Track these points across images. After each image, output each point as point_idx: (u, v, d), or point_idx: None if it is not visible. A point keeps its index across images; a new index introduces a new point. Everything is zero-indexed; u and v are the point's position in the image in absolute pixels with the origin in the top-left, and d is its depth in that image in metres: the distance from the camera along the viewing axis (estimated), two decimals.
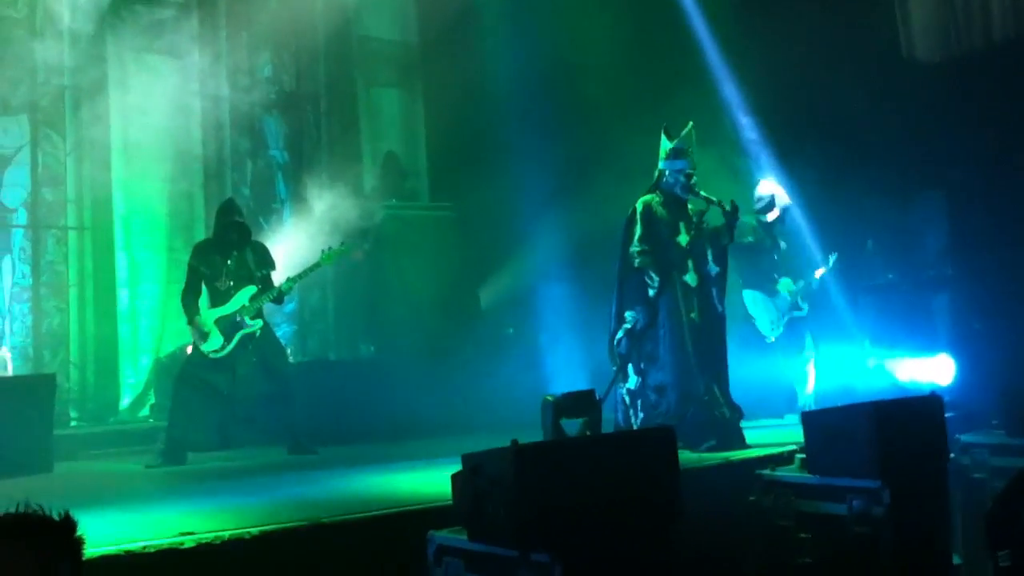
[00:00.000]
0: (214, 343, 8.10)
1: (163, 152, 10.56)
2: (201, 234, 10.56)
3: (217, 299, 8.21)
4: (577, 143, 11.00)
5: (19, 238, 9.87)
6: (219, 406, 8.13)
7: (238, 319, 8.16)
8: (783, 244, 9.37)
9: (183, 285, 8.32)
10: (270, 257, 8.54)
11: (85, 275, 9.73)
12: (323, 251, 8.59)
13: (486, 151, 11.30)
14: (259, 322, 8.28)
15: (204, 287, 8.24)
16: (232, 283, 8.25)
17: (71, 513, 2.37)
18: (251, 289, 8.27)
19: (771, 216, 9.30)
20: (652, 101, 9.77)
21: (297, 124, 11.83)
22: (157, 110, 10.34)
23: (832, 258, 9.35)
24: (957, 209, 10.29)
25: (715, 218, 7.36)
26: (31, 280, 9.81)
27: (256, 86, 11.40)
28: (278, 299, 8.41)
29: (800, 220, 9.68)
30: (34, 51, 9.71)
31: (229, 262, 8.27)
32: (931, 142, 10.61)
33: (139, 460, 8.05)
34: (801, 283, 9.19)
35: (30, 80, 9.76)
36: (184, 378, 8.21)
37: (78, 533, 2.38)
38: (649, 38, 11.06)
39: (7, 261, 9.76)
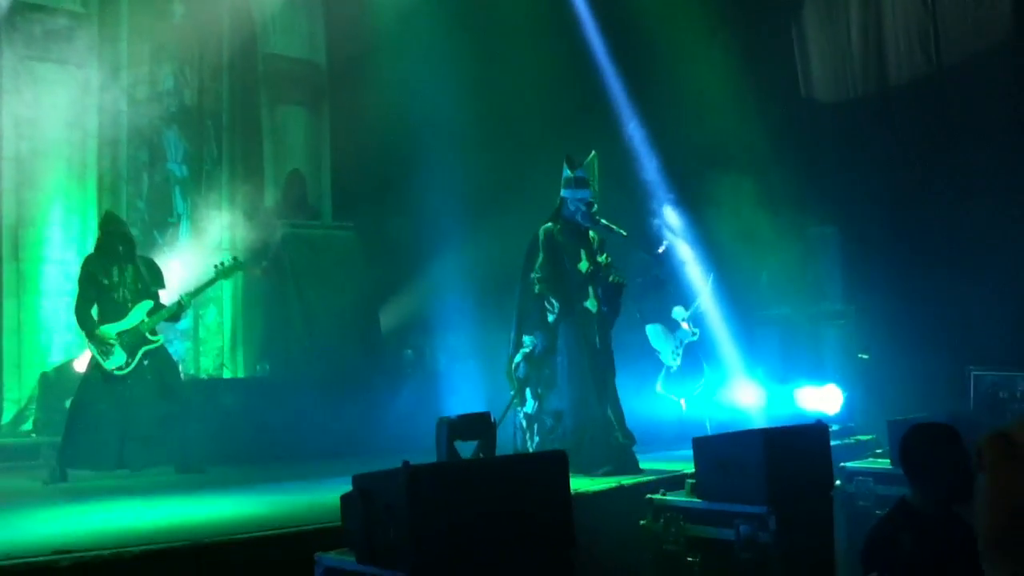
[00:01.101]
0: (118, 359, 7.91)
1: (56, 163, 10.29)
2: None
3: (113, 313, 7.99)
4: (483, 170, 11.08)
5: None
6: (116, 425, 7.87)
7: (142, 334, 7.98)
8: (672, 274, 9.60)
9: (76, 297, 8.07)
10: (161, 274, 8.40)
11: None
12: (215, 266, 8.41)
13: (391, 174, 11.32)
14: (160, 338, 8.15)
15: (93, 299, 8.02)
16: (129, 296, 8.07)
17: None
18: (148, 304, 8.10)
19: (660, 249, 9.51)
20: (558, 132, 9.89)
21: (197, 139, 11.64)
22: (51, 120, 10.10)
23: (710, 278, 9.56)
24: (849, 245, 10.60)
25: (613, 247, 7.46)
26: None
27: (156, 99, 11.21)
28: (175, 316, 8.27)
29: (682, 251, 9.89)
30: None
31: (125, 274, 8.09)
32: (827, 179, 10.94)
33: (20, 475, 7.78)
34: (691, 308, 9.41)
35: None
36: (83, 394, 7.95)
37: None
38: (556, 71, 11.22)
39: None
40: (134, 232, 8.87)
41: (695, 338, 9.32)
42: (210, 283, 8.40)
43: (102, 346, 7.91)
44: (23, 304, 10.02)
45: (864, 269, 10.44)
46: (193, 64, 11.55)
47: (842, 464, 6.64)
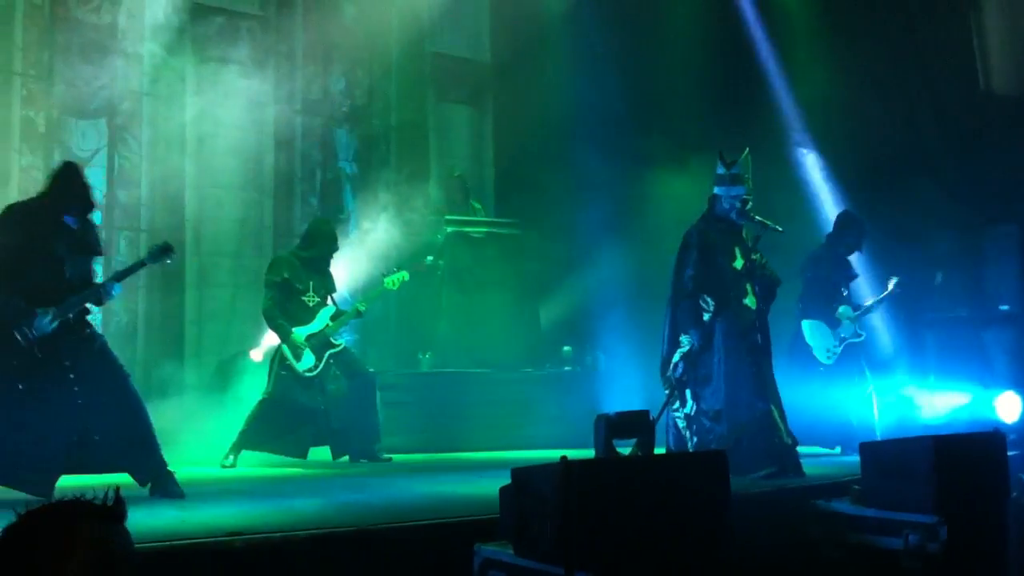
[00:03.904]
0: (308, 361, 8.29)
1: (235, 160, 10.73)
2: (270, 241, 10.78)
3: (302, 316, 8.37)
4: (642, 170, 11.04)
5: None
6: (309, 419, 8.30)
7: (327, 338, 8.37)
8: (855, 274, 9.22)
9: (267, 299, 8.45)
10: (333, 279, 8.80)
11: (154, 277, 9.91)
12: (384, 276, 8.83)
13: (552, 172, 11.38)
14: (343, 340, 8.58)
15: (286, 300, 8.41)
16: (318, 300, 8.45)
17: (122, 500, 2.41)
18: (331, 309, 8.48)
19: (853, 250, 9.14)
20: (720, 133, 9.75)
21: (366, 138, 11.97)
22: (230, 118, 10.54)
23: (893, 281, 9.16)
24: None
25: (768, 244, 7.32)
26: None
27: (328, 98, 11.58)
28: (348, 322, 8.68)
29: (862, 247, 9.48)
30: (114, 56, 9.95)
31: (316, 280, 8.48)
32: (1005, 176, 10.44)
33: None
34: (862, 309, 9.05)
35: (109, 84, 9.99)
36: (275, 390, 8.33)
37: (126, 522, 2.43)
38: (717, 69, 11.08)
39: None
40: (306, 228, 9.19)
41: (860, 340, 8.97)
42: (379, 292, 8.87)
43: (295, 349, 8.27)
44: (204, 296, 10.51)
45: None
46: (363, 64, 11.87)
47: (1020, 475, 6.35)
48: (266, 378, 8.45)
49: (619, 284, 10.60)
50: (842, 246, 9.05)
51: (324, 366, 8.33)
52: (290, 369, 8.29)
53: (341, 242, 9.03)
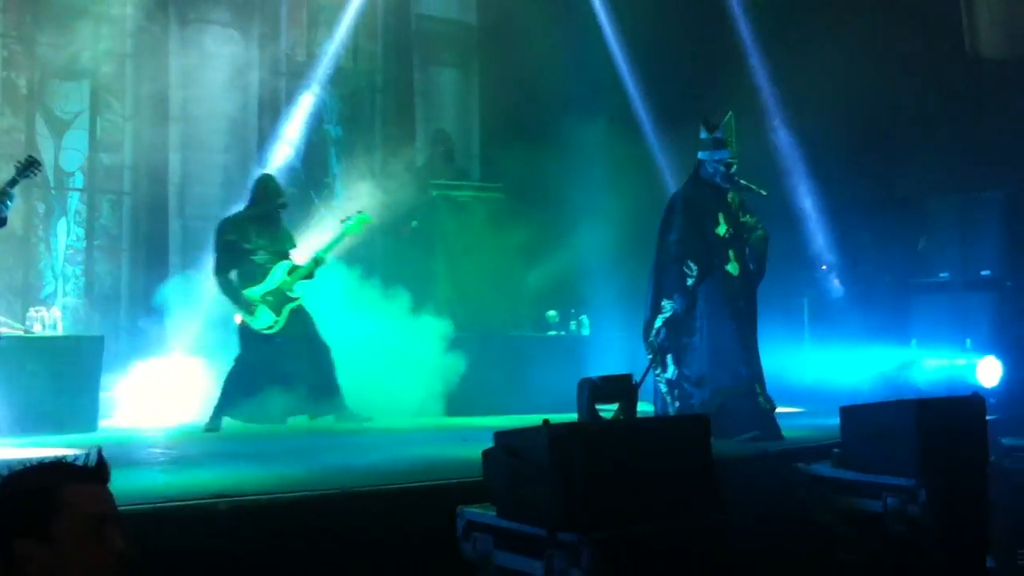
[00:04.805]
0: (264, 319, 8.20)
1: (219, 123, 10.67)
2: None
3: (256, 275, 8.28)
4: (629, 134, 11.00)
5: (75, 201, 10.05)
6: (274, 380, 8.18)
7: (283, 293, 8.25)
8: None
9: (215, 263, 8.37)
10: (292, 235, 8.72)
11: (138, 240, 9.87)
12: (342, 221, 8.64)
13: (540, 136, 11.33)
14: (300, 294, 8.39)
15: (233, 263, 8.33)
16: (268, 257, 8.34)
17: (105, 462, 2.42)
18: (286, 264, 8.38)
19: None
20: (702, 101, 9.73)
21: (352, 100, 11.90)
22: (214, 81, 10.46)
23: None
24: (1015, 210, 10.11)
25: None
26: (85, 243, 9.99)
27: (314, 60, 11.48)
28: (311, 274, 8.47)
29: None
30: (96, 18, 9.85)
31: (266, 237, 8.37)
32: (992, 141, 10.44)
33: None
34: None
35: (92, 46, 9.89)
36: (243, 352, 8.31)
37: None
38: (697, 35, 11.03)
39: (62, 223, 9.95)
40: (291, 191, 9.13)
41: None
42: (339, 238, 8.62)
43: (248, 308, 8.21)
44: (187, 259, 10.46)
45: None
46: (348, 26, 11.77)
47: (999, 439, 6.41)
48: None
49: (604, 249, 10.59)
50: None
51: (286, 322, 8.23)
52: (251, 330, 8.23)
53: (326, 206, 8.97)
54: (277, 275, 8.32)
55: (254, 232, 8.36)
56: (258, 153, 10.93)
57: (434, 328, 9.75)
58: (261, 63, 10.89)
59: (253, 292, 8.25)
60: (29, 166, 6.71)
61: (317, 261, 8.42)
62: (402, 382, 9.20)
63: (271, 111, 11.10)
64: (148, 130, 10.18)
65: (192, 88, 10.42)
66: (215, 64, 10.46)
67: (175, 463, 5.78)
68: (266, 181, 8.77)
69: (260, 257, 8.34)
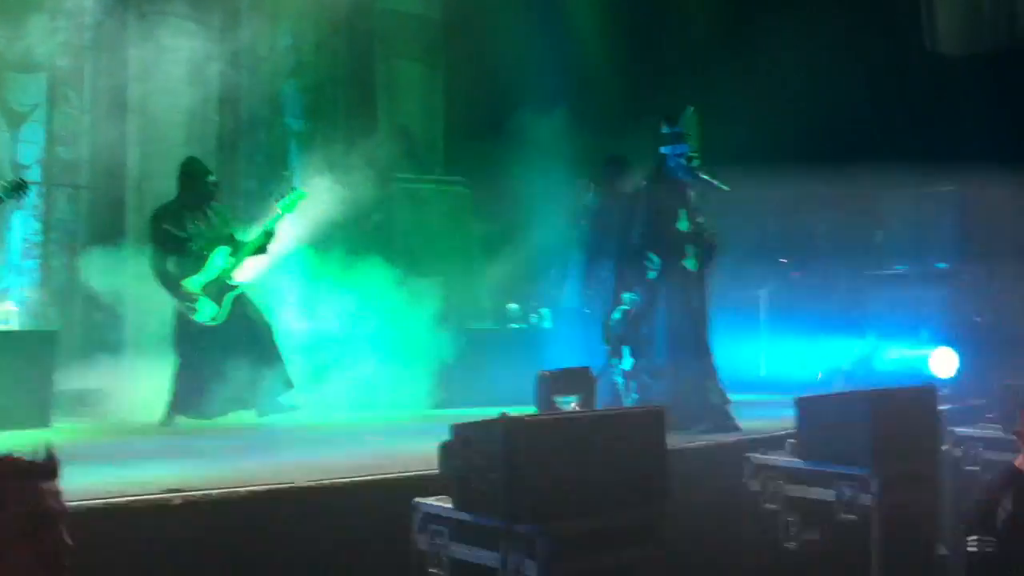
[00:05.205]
0: (207, 311, 8.07)
1: (179, 117, 10.56)
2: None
3: (194, 264, 8.09)
4: (591, 128, 11.03)
5: (32, 195, 9.90)
6: (219, 373, 8.00)
7: (223, 281, 8.09)
8: None
9: (151, 256, 8.19)
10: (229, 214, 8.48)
11: (95, 235, 9.76)
12: (277, 201, 8.39)
13: (503, 130, 11.34)
14: (241, 282, 8.20)
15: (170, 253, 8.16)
16: (205, 243, 8.15)
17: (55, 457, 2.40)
18: (223, 250, 8.18)
19: None
20: (662, 97, 9.78)
21: (314, 94, 11.82)
22: (174, 75, 10.35)
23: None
24: (969, 204, 10.26)
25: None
26: (42, 237, 9.87)
27: (275, 54, 11.40)
28: (263, 248, 8.28)
29: None
30: (52, 11, 9.73)
31: (201, 224, 8.19)
32: (947, 136, 10.57)
33: None
34: None
35: (49, 38, 9.77)
36: (183, 348, 8.13)
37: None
38: (660, 30, 11.08)
39: (18, 217, 9.82)
40: (251, 185, 9.04)
41: None
42: (279, 218, 8.34)
43: (188, 301, 8.04)
44: (142, 253, 10.36)
45: (983, 230, 10.10)
46: (310, 19, 11.69)
47: (951, 428, 6.50)
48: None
49: (566, 243, 10.62)
50: None
51: (229, 311, 8.06)
52: (192, 324, 8.05)
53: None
54: (216, 262, 8.13)
55: (188, 219, 8.16)
56: (217, 146, 10.83)
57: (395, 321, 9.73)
58: (221, 56, 10.79)
59: (193, 283, 8.08)
60: (17, 188, 6.49)
61: (268, 234, 8.20)
62: (363, 375, 9.17)
63: (231, 105, 11.01)
64: (106, 124, 10.04)
65: (151, 81, 10.30)
66: (174, 57, 10.34)
67: (129, 458, 5.74)
68: (191, 163, 8.57)
69: (197, 245, 8.14)
